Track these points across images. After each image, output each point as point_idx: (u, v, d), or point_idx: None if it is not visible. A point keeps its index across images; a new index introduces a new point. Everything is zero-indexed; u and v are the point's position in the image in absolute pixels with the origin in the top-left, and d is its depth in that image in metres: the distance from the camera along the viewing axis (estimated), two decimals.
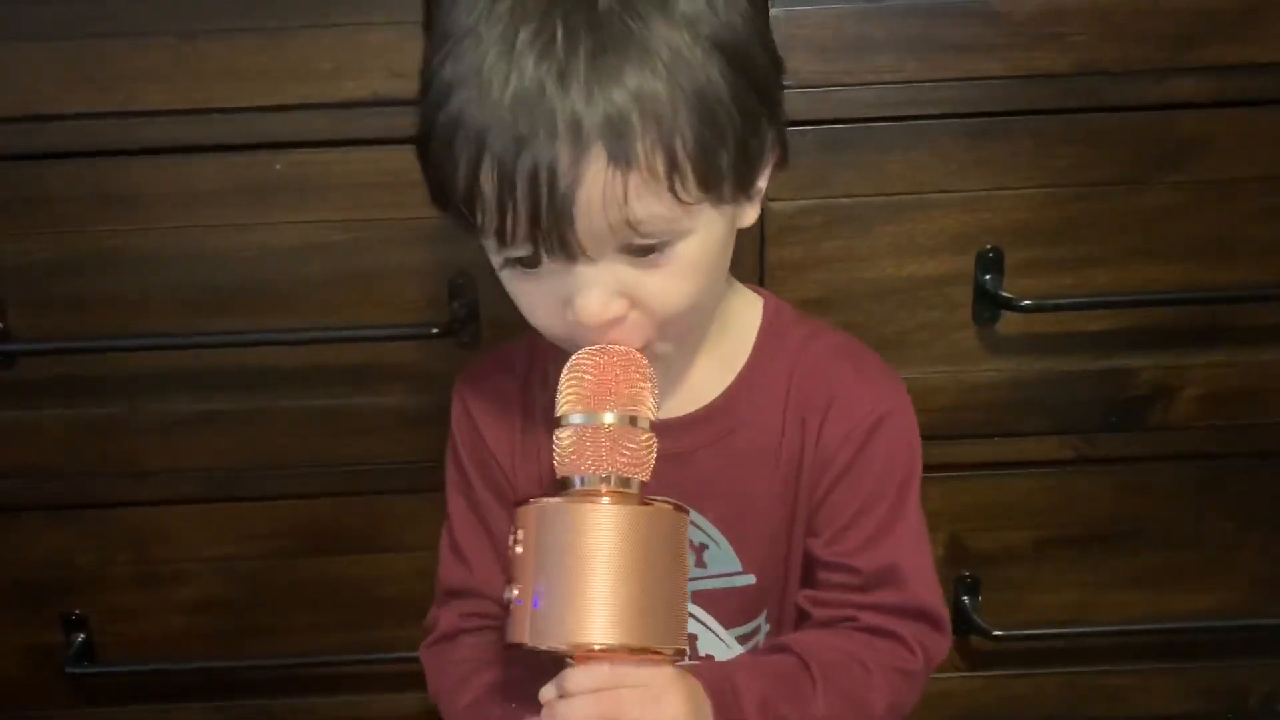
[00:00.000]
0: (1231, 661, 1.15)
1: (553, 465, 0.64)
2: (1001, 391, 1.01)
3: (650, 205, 0.59)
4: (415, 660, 1.09)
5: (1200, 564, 1.10)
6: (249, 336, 0.99)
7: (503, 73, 0.57)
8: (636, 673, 0.62)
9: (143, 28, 0.92)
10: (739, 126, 0.61)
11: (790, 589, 0.78)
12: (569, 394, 0.63)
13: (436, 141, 0.61)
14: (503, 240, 0.61)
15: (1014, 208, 0.97)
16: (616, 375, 0.62)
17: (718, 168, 0.61)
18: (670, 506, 0.62)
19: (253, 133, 0.94)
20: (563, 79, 0.57)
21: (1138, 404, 1.03)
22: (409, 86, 0.89)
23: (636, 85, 0.57)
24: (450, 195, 0.62)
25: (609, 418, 0.62)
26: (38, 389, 1.01)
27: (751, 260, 0.97)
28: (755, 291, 0.79)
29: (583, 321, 0.62)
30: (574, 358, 0.64)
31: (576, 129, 0.57)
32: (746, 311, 0.77)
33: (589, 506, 0.60)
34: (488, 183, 0.59)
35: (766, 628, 0.80)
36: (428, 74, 0.62)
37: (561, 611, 0.59)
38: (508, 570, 0.62)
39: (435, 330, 0.97)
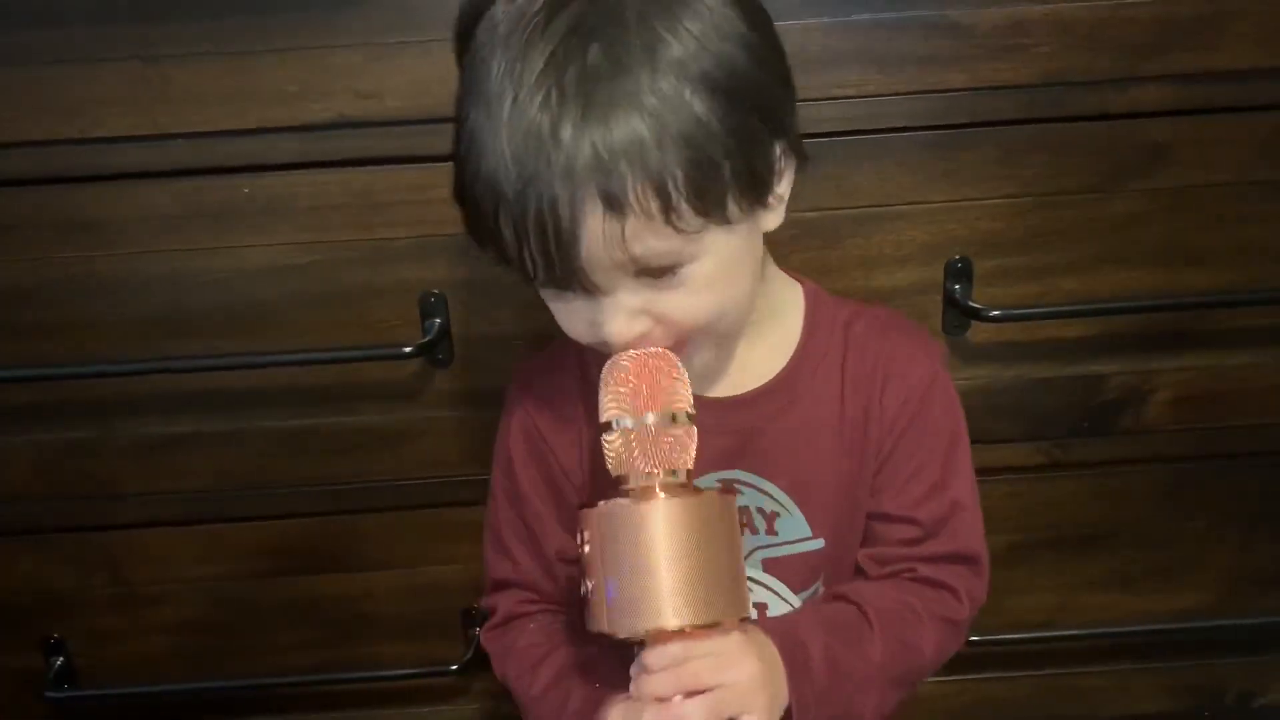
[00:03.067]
0: (1207, 660, 1.16)
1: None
2: (973, 399, 1.02)
3: (648, 242, 0.63)
4: (397, 677, 1.11)
5: (1174, 564, 1.11)
6: (220, 360, 0.98)
7: (511, 124, 0.62)
8: (706, 644, 0.66)
9: (105, 53, 0.91)
10: (736, 153, 0.64)
11: (850, 552, 0.82)
12: (610, 401, 0.67)
13: (465, 190, 0.66)
14: (527, 276, 0.66)
15: (981, 218, 0.97)
16: (654, 376, 0.67)
17: (716, 197, 0.64)
18: (717, 490, 0.67)
19: (219, 156, 0.94)
20: (555, 130, 0.61)
21: (1109, 409, 1.04)
22: (375, 108, 0.93)
23: (623, 134, 0.61)
24: (481, 238, 0.67)
25: (650, 418, 0.66)
26: (10, 415, 1.01)
27: None
28: (793, 277, 0.83)
29: (610, 344, 0.67)
30: (609, 367, 0.68)
31: (570, 174, 0.61)
32: (790, 295, 0.82)
33: (644, 505, 0.64)
34: (506, 227, 0.64)
35: (822, 590, 0.83)
36: (457, 128, 0.66)
37: (633, 602, 0.64)
38: (581, 566, 0.66)
39: (408, 350, 0.97)
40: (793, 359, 0.80)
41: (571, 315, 0.69)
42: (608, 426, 0.67)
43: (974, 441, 1.01)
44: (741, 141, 0.64)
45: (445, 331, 0.99)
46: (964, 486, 0.82)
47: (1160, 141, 0.95)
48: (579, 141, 0.60)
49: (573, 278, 0.64)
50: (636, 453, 0.66)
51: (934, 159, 0.96)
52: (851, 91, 0.93)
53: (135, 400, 1.01)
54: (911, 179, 0.96)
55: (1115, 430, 1.04)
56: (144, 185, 0.95)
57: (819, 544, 0.80)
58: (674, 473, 0.66)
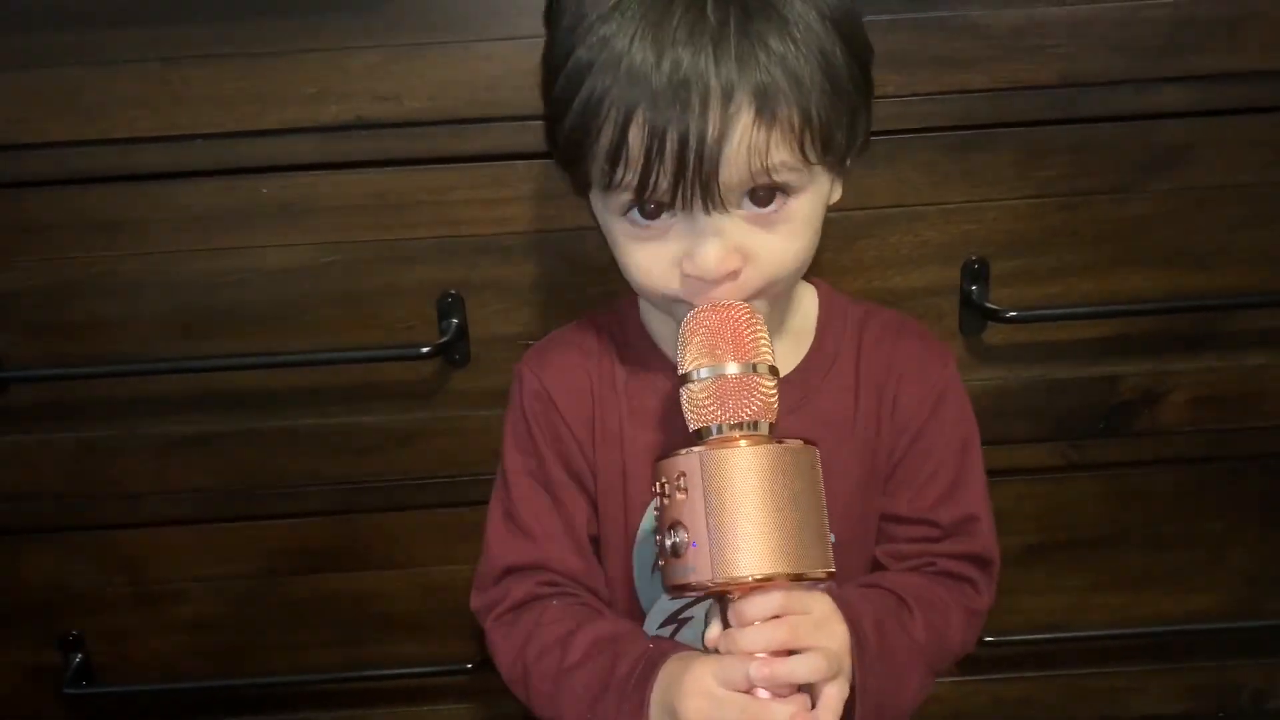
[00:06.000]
0: (1222, 661, 1.16)
1: (629, 450, 0.76)
2: (989, 400, 1.02)
3: (784, 155, 0.66)
4: (413, 675, 1.11)
5: (1189, 565, 1.11)
6: (238, 360, 0.99)
7: (659, 40, 0.64)
8: (805, 599, 0.67)
9: (125, 55, 0.92)
10: (853, 99, 0.69)
11: (862, 550, 0.82)
12: (694, 350, 0.67)
13: (580, 111, 0.67)
14: (643, 192, 0.67)
15: (998, 219, 0.97)
16: (736, 328, 0.67)
17: (838, 133, 0.68)
18: (802, 442, 0.67)
19: (238, 157, 0.94)
20: (716, 47, 0.64)
21: (1125, 410, 1.04)
22: (393, 109, 0.94)
23: (781, 53, 0.65)
24: (581, 159, 0.68)
25: (733, 368, 0.66)
26: (32, 414, 1.02)
27: None
28: (807, 279, 0.83)
29: (702, 273, 0.68)
30: (691, 317, 0.69)
31: (729, 95, 0.64)
32: (804, 294, 0.83)
33: (743, 451, 0.64)
34: (636, 144, 0.65)
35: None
36: (559, 52, 0.68)
37: (732, 547, 0.63)
38: (666, 518, 0.66)
39: (425, 350, 0.97)
40: (809, 354, 0.81)
41: (657, 253, 0.70)
42: (686, 379, 0.67)
43: (989, 443, 1.01)
44: (857, 89, 0.69)
45: (462, 332, 0.99)
46: (979, 490, 0.83)
47: (1179, 143, 0.95)
48: (741, 58, 0.63)
49: (698, 189, 0.65)
50: (720, 404, 0.66)
51: (951, 160, 0.95)
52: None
53: (155, 399, 1.01)
54: (929, 180, 0.96)
55: (1131, 431, 1.04)
56: (163, 186, 0.95)
57: (831, 539, 0.80)
58: (756, 425, 0.66)
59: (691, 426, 0.68)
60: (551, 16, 0.71)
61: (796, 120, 0.65)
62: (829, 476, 0.77)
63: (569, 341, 0.83)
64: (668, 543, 0.65)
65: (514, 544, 0.81)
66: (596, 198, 0.72)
